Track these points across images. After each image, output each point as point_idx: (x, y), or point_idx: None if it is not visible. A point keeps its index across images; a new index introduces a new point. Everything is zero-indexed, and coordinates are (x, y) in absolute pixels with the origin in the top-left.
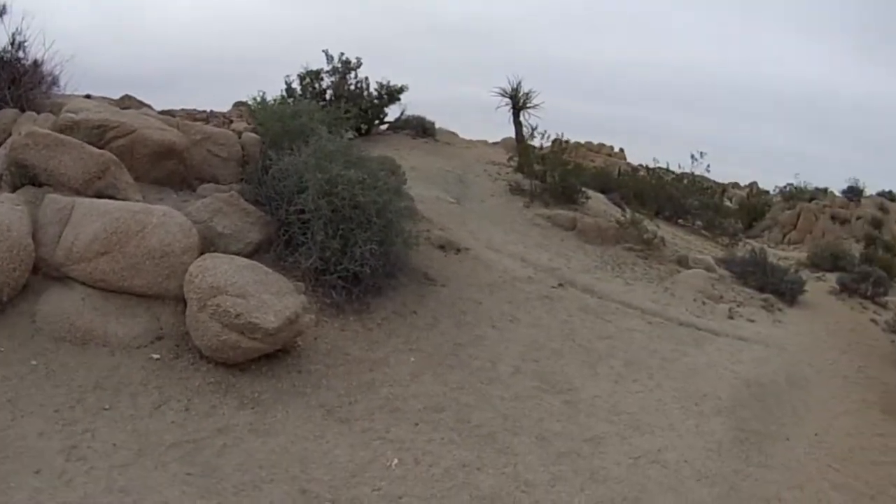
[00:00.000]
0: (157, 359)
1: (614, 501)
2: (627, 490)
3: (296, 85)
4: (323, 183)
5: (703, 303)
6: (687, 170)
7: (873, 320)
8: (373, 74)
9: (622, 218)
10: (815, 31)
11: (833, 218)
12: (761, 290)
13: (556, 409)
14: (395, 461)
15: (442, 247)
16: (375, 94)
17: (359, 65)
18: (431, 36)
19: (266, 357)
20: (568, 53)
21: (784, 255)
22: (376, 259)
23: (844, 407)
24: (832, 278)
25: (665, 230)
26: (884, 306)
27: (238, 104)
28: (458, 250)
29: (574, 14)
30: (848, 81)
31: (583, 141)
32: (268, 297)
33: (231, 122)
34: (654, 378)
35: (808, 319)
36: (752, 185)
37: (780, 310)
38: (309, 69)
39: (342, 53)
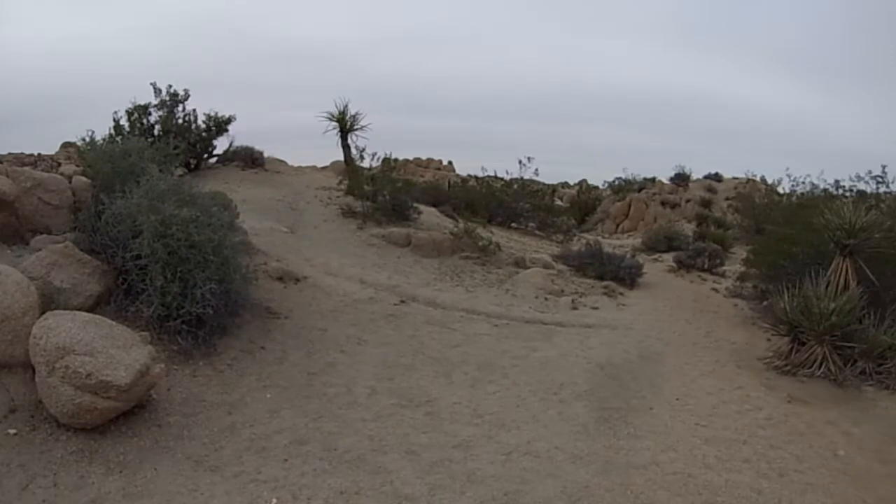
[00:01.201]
0: (14, 434)
1: (497, 498)
2: (507, 485)
3: (124, 121)
4: (157, 225)
5: (546, 298)
6: (516, 175)
7: (714, 289)
8: (200, 106)
9: (456, 229)
10: (631, 29)
11: (663, 203)
12: (601, 278)
13: (419, 422)
14: (274, 501)
15: (280, 278)
16: (203, 126)
17: (186, 97)
18: (256, 64)
19: (124, 416)
20: (393, 71)
21: (619, 244)
22: (217, 298)
23: (699, 370)
24: (669, 258)
25: (500, 235)
26: (722, 275)
27: (66, 145)
28: (297, 280)
29: (396, 35)
30: (664, 79)
31: (411, 157)
32: (115, 351)
33: (59, 164)
34: (510, 377)
35: (651, 298)
36: (582, 182)
37: (621, 294)
38: (137, 104)
39: (170, 86)
